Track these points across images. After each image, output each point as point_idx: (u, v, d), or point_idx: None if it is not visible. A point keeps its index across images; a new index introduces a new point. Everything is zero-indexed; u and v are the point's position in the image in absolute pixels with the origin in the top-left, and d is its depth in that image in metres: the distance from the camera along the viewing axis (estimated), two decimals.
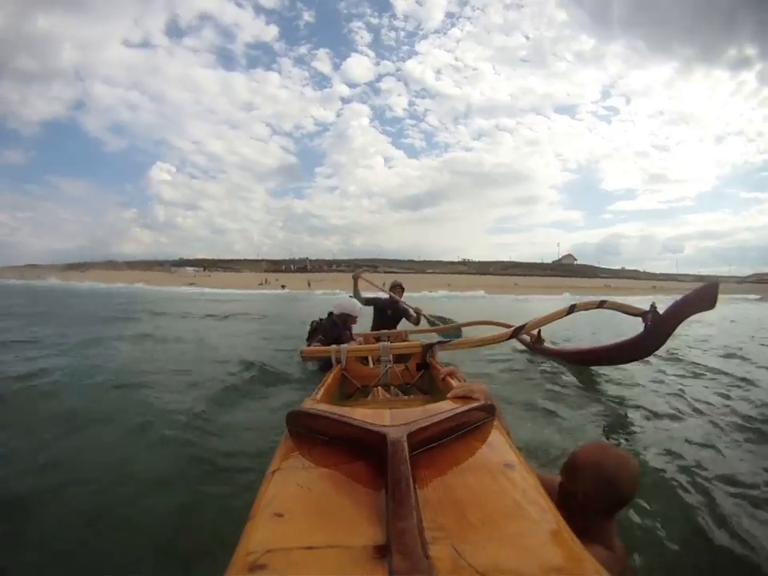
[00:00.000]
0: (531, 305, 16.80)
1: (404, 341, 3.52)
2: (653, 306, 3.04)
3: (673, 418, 2.59)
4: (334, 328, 3.51)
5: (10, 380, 3.17)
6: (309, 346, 3.50)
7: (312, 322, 3.93)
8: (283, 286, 31.20)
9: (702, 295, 2.84)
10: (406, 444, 0.58)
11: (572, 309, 2.95)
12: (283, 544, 0.47)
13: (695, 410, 2.74)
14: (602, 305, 3.21)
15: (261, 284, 34.56)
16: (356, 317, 3.60)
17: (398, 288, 4.59)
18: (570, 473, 1.08)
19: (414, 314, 4.35)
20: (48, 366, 3.64)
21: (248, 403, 2.86)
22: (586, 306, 3.15)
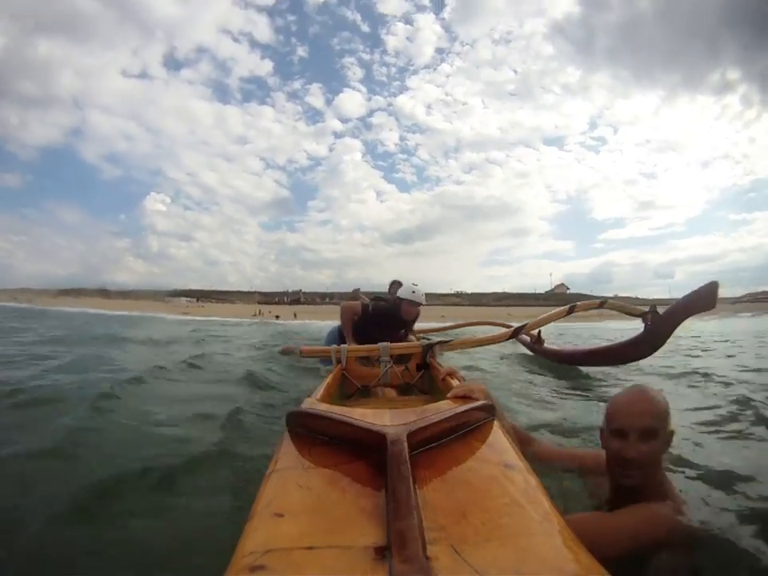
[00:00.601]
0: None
1: (404, 341, 3.52)
2: (653, 307, 3.04)
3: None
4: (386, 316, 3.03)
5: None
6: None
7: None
8: (277, 317, 31.20)
9: (702, 295, 2.85)
10: (405, 444, 0.58)
11: (572, 309, 2.95)
12: (283, 544, 0.46)
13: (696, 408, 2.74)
14: (602, 305, 3.21)
15: (255, 315, 34.43)
16: (405, 299, 3.06)
17: (396, 285, 4.55)
18: (615, 413, 1.07)
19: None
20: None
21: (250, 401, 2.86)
22: (587, 306, 3.15)
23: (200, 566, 1.18)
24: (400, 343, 2.89)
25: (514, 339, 3.13)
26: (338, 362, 2.17)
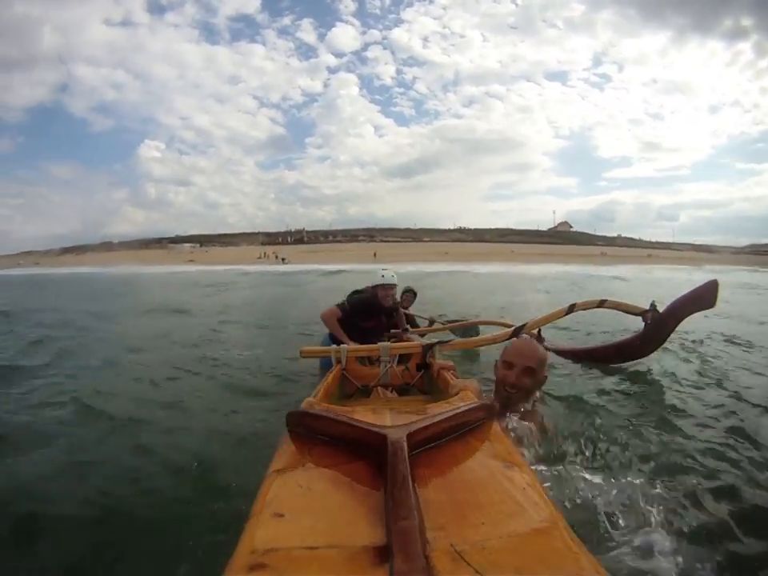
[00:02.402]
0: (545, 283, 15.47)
1: (404, 341, 3.52)
2: (653, 305, 3.04)
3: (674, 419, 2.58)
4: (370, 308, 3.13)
5: None
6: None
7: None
8: (283, 259, 29.67)
9: (702, 294, 2.85)
10: (405, 444, 0.58)
11: (572, 308, 2.96)
12: (283, 544, 0.47)
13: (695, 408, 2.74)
14: (602, 304, 3.21)
15: (259, 257, 33.30)
16: (378, 285, 3.15)
17: (409, 294, 4.47)
18: (505, 362, 1.49)
19: (408, 327, 4.13)
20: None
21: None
22: (586, 306, 3.15)
23: (200, 566, 1.19)
24: (400, 343, 2.88)
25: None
26: (338, 362, 2.17)
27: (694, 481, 1.51)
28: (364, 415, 0.77)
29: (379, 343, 2.31)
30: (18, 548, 1.38)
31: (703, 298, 2.84)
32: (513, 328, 2.72)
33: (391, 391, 2.26)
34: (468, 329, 4.26)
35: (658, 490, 1.35)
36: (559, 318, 2.97)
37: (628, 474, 1.55)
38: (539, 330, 4.26)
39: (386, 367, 2.17)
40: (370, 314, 3.23)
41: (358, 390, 2.18)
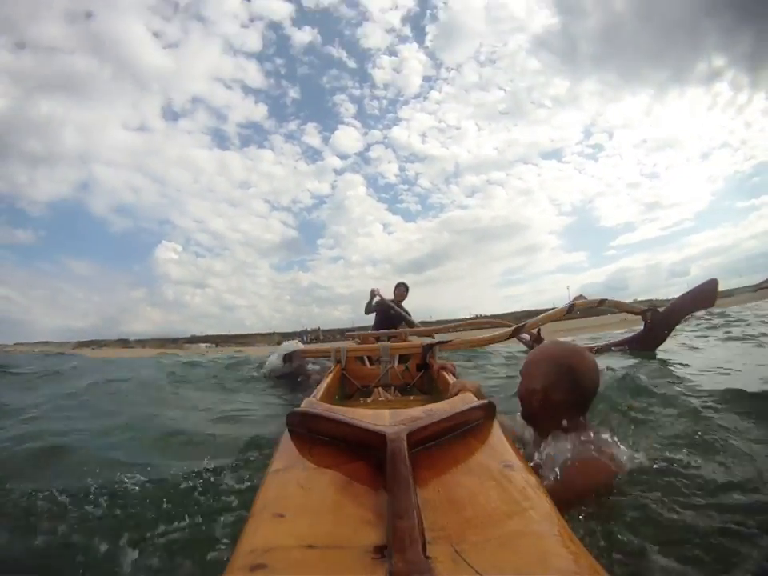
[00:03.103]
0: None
1: (404, 341, 3.52)
2: (652, 305, 3.04)
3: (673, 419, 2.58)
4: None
5: None
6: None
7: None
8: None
9: (702, 293, 2.85)
10: (405, 444, 0.58)
11: (572, 308, 2.95)
12: (283, 543, 0.46)
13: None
14: (601, 303, 3.21)
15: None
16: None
17: (401, 287, 4.56)
18: (528, 372, 1.07)
19: (411, 320, 4.31)
20: None
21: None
22: (586, 305, 3.15)
23: (200, 566, 1.19)
24: (400, 343, 2.89)
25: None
26: (338, 362, 2.17)
27: (692, 480, 1.51)
28: (364, 415, 0.77)
29: (379, 343, 2.31)
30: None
31: (703, 296, 2.84)
32: (512, 328, 2.72)
33: (393, 392, 2.26)
34: (468, 329, 4.26)
35: (659, 489, 1.34)
36: (559, 317, 2.97)
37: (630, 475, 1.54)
38: (539, 329, 4.26)
39: (386, 367, 2.17)
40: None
41: (358, 390, 2.18)
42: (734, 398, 2.23)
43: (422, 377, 2.21)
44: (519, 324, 2.76)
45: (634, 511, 1.14)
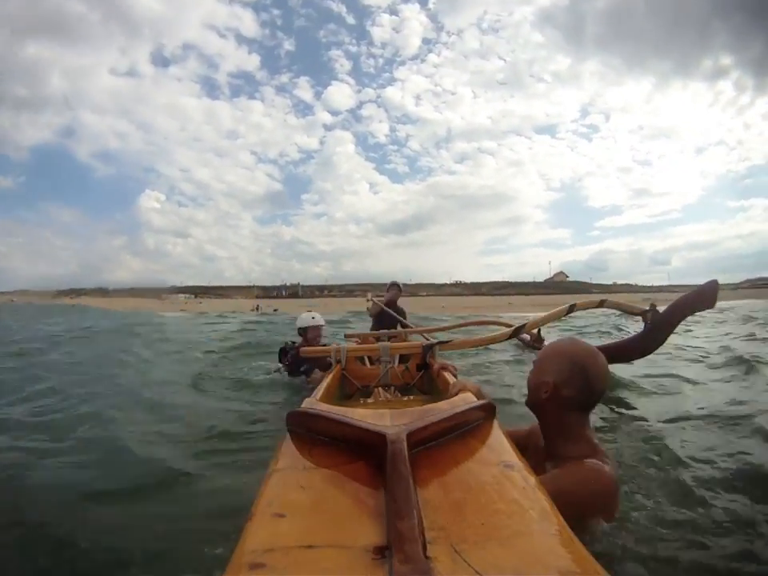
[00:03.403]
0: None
1: (404, 341, 3.52)
2: (653, 305, 3.04)
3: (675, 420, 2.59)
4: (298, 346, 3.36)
5: None
6: (282, 367, 3.54)
7: (284, 344, 3.74)
8: (275, 310, 30.89)
9: (702, 294, 2.85)
10: (405, 444, 0.58)
11: (572, 308, 2.94)
12: (283, 543, 0.46)
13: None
14: (602, 303, 3.20)
15: (253, 310, 33.75)
16: (309, 327, 3.52)
17: (394, 288, 4.55)
18: (542, 364, 1.11)
19: (405, 322, 4.27)
20: None
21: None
22: (586, 305, 3.15)
23: (201, 565, 1.19)
24: (400, 343, 2.89)
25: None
26: (338, 362, 2.17)
27: (693, 482, 1.51)
28: (364, 415, 0.77)
29: (379, 343, 2.31)
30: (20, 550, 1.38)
31: (704, 298, 2.84)
32: (513, 328, 2.72)
33: (393, 392, 2.26)
34: (468, 329, 4.26)
35: (659, 491, 1.35)
36: (559, 317, 2.96)
37: (628, 473, 1.55)
38: (539, 329, 4.25)
39: (386, 367, 2.17)
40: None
41: (359, 390, 2.18)
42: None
43: (422, 377, 2.21)
44: (519, 324, 2.75)
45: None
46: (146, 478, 1.78)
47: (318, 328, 3.55)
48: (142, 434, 2.34)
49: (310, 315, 3.62)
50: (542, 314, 2.90)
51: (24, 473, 1.82)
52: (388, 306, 4.34)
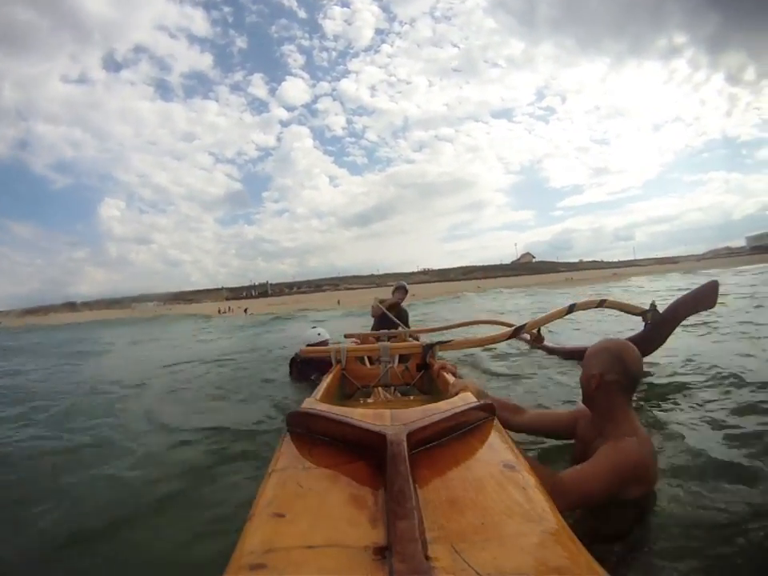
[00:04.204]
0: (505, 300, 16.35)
1: (404, 341, 3.52)
2: (653, 305, 3.04)
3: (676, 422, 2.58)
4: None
5: None
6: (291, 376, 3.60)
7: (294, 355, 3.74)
8: (246, 310, 30.84)
9: (702, 294, 2.85)
10: (405, 444, 0.58)
11: (572, 308, 2.94)
12: (283, 543, 0.46)
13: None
14: (602, 304, 3.20)
15: (220, 312, 33.51)
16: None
17: (401, 290, 4.55)
18: (589, 360, 1.34)
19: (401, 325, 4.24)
20: None
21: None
22: (586, 306, 3.14)
23: (201, 565, 1.19)
24: (400, 343, 2.88)
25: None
26: (338, 362, 2.17)
27: (697, 481, 1.51)
28: (364, 415, 0.77)
29: (379, 343, 2.31)
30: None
31: (704, 298, 2.84)
32: (513, 328, 2.72)
33: (393, 392, 2.26)
34: (468, 329, 4.26)
35: (659, 492, 1.34)
36: (559, 317, 2.96)
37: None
38: (539, 329, 4.25)
39: (386, 367, 2.17)
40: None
41: (359, 390, 2.18)
42: None
43: (422, 377, 2.21)
44: (520, 324, 2.75)
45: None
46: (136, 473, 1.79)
47: (324, 344, 3.52)
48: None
49: (316, 332, 3.66)
50: (542, 315, 2.90)
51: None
52: (393, 308, 4.34)
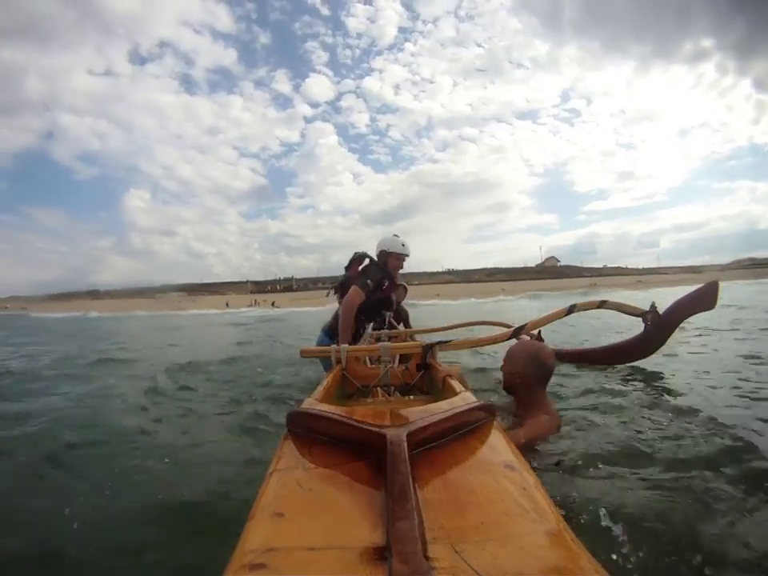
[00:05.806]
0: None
1: (404, 341, 3.52)
2: (653, 306, 3.04)
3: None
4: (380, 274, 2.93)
5: None
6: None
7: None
8: (273, 303, 31.24)
9: (703, 295, 2.85)
10: (405, 444, 0.58)
11: (572, 309, 2.94)
12: (283, 544, 0.46)
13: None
14: (602, 305, 3.20)
15: (251, 305, 33.64)
16: (393, 252, 3.01)
17: (401, 287, 4.57)
18: (512, 360, 1.76)
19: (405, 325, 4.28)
20: None
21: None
22: (586, 306, 3.14)
23: (201, 565, 1.19)
24: (400, 343, 2.88)
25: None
26: (338, 362, 2.17)
27: (701, 481, 1.51)
28: (364, 415, 0.77)
29: (379, 343, 2.31)
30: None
31: (704, 299, 2.84)
32: (513, 328, 2.72)
33: (393, 392, 2.26)
34: (468, 329, 4.26)
35: (661, 493, 1.34)
36: (560, 318, 2.96)
37: (629, 474, 1.55)
38: (539, 330, 4.25)
39: (387, 367, 2.17)
40: (377, 305, 3.17)
41: (358, 390, 2.18)
42: None
43: (422, 377, 2.21)
44: (520, 325, 2.75)
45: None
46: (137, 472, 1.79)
47: (400, 258, 3.04)
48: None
49: (397, 240, 3.08)
50: (542, 315, 2.90)
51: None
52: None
